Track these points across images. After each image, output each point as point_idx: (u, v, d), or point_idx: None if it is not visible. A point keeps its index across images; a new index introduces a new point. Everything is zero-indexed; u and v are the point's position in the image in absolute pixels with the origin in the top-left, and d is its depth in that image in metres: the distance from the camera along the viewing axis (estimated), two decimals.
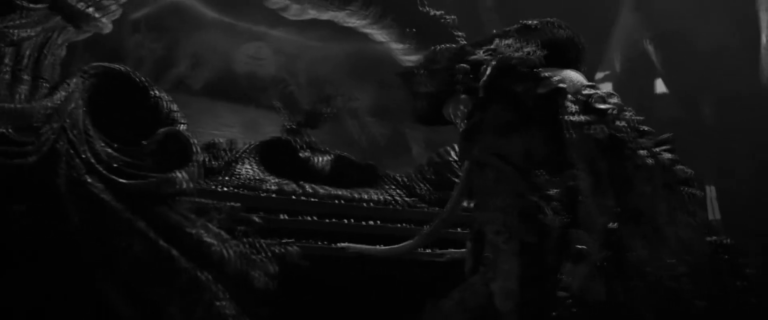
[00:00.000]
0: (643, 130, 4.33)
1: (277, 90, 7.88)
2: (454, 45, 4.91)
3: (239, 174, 6.26)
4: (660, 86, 13.78)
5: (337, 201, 6.52)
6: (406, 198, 7.39)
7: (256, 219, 4.19)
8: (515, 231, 4.22)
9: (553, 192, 4.14)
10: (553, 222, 4.03)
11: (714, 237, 4.58)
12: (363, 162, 7.30)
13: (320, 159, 6.94)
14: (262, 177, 6.41)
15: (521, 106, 4.38)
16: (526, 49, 4.40)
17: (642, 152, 4.22)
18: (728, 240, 4.83)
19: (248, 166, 6.37)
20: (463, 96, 4.79)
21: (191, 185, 3.83)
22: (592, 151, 4.16)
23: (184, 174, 3.83)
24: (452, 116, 5.07)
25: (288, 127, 6.99)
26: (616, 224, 4.01)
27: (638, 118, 4.35)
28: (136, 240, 3.50)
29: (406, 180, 7.50)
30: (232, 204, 4.03)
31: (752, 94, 12.49)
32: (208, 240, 3.65)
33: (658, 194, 4.11)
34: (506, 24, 4.82)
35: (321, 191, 6.72)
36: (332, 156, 7.03)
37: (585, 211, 3.96)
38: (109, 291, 3.49)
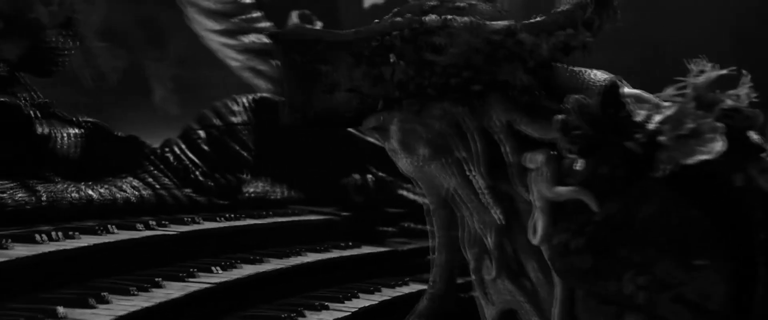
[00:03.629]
0: None
1: None
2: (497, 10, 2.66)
3: None
4: None
5: (101, 234, 3.88)
6: (180, 190, 4.95)
7: None
8: None
9: None
10: None
11: None
12: (122, 134, 4.64)
13: (65, 135, 4.16)
14: None
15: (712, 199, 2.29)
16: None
17: None
18: None
19: None
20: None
21: None
22: None
23: None
24: (402, 146, 2.78)
25: None
26: None
27: None
28: None
29: (173, 158, 5.03)
30: None
31: None
32: None
33: None
34: None
35: (68, 196, 4.01)
36: (81, 128, 4.27)
37: None
38: None
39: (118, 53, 5.84)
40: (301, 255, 4.73)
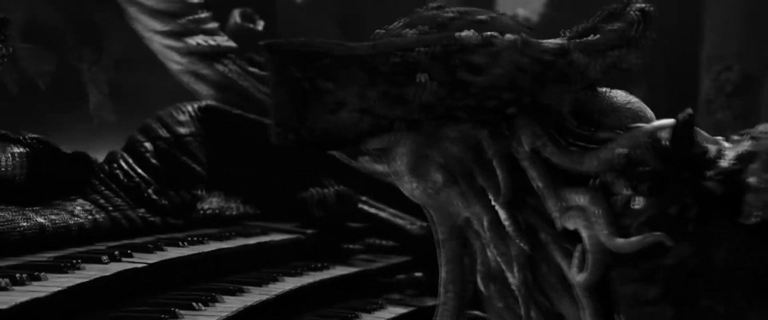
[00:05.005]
0: None
1: None
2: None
3: None
4: None
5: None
6: (134, 211, 4.45)
7: None
8: None
9: None
10: None
11: None
12: (68, 150, 4.14)
13: (9, 155, 3.62)
14: None
15: None
16: None
17: None
18: None
19: None
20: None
21: None
22: None
23: None
24: (412, 171, 2.42)
25: None
26: None
27: None
28: None
29: (123, 175, 4.51)
30: None
31: None
32: None
33: None
34: None
35: (18, 226, 3.56)
36: (26, 147, 3.73)
37: None
38: None
39: (46, 55, 5.21)
40: (278, 280, 4.28)
